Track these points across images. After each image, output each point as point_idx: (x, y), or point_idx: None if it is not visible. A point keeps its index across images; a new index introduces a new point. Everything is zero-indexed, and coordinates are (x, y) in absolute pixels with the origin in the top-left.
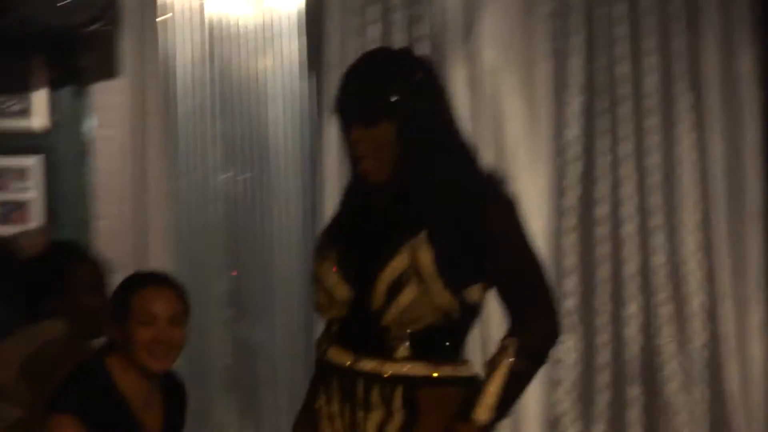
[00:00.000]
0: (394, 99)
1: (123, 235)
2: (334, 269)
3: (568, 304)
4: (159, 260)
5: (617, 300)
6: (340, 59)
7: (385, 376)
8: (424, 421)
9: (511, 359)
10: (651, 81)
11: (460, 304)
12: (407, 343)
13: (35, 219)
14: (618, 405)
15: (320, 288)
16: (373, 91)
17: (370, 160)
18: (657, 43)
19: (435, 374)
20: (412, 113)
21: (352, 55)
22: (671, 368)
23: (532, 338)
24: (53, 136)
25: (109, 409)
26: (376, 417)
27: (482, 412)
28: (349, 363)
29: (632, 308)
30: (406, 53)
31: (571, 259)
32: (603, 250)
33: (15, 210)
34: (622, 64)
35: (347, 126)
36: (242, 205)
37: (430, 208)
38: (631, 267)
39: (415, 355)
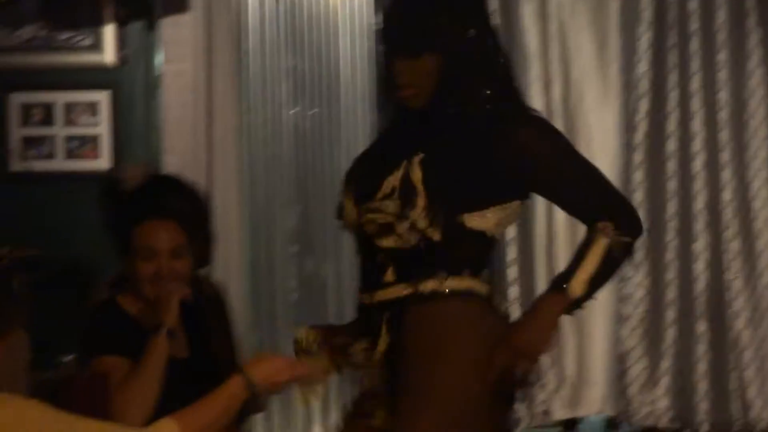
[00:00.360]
0: (437, 30)
1: (192, 170)
2: (350, 193)
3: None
4: (227, 195)
5: (685, 236)
6: None
7: (370, 303)
8: (408, 340)
9: (607, 239)
10: (720, 16)
11: (454, 228)
12: (391, 268)
13: (105, 154)
14: (685, 341)
15: (339, 211)
16: (416, 22)
17: (411, 88)
18: None
19: (409, 291)
20: (455, 45)
21: None
22: (739, 304)
23: (626, 225)
24: (122, 71)
25: (134, 343)
26: (363, 345)
27: (577, 285)
28: (360, 301)
29: (700, 244)
30: None
31: (639, 195)
32: (671, 185)
33: (85, 144)
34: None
35: (390, 57)
36: (311, 140)
37: (438, 130)
38: (699, 203)
39: (399, 279)
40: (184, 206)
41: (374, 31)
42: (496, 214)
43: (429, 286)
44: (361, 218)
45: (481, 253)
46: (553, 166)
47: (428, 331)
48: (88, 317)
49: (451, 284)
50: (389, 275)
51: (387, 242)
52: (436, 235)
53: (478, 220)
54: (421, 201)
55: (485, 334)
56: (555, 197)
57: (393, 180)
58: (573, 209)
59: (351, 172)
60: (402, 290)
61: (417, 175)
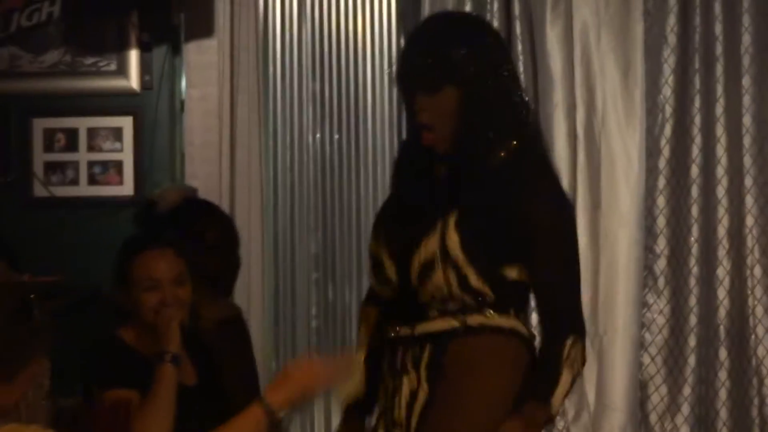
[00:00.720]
0: (455, 63)
1: (214, 195)
2: (385, 248)
3: (660, 265)
4: (249, 220)
5: (707, 261)
6: None
7: (410, 335)
8: (450, 374)
9: (579, 364)
10: (745, 40)
11: (498, 282)
12: (437, 307)
13: (128, 179)
14: (706, 368)
15: (375, 265)
16: (434, 54)
17: (432, 132)
18: (751, 3)
19: (457, 324)
20: (475, 77)
21: None
22: (761, 331)
23: (580, 325)
24: (146, 96)
25: (141, 375)
26: (408, 381)
27: (557, 403)
28: (392, 335)
29: (722, 270)
30: (467, 17)
31: (661, 220)
32: (694, 211)
33: (108, 170)
34: (716, 24)
35: (410, 94)
36: (334, 166)
37: (468, 187)
38: (722, 228)
39: (445, 314)
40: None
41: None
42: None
43: (477, 320)
44: (410, 279)
45: (523, 299)
46: (548, 235)
47: (471, 362)
48: (88, 353)
49: (497, 321)
50: (434, 312)
51: (436, 297)
52: (487, 291)
53: (517, 272)
54: (468, 266)
55: (526, 372)
56: (533, 267)
57: (431, 245)
58: (545, 303)
59: (381, 222)
60: (449, 323)
61: (454, 240)
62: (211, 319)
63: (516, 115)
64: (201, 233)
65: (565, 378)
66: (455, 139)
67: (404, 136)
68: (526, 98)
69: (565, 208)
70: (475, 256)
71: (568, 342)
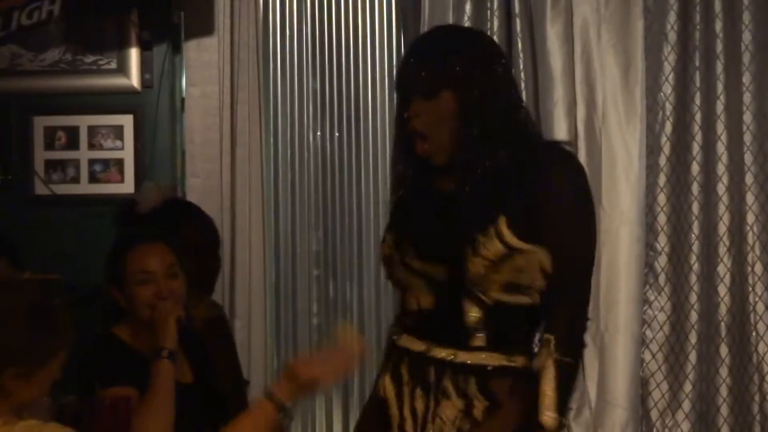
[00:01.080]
0: (452, 68)
1: (215, 193)
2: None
3: (661, 262)
4: (250, 218)
5: (708, 259)
6: (435, 18)
7: (457, 361)
8: (505, 409)
9: (554, 356)
10: (746, 38)
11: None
12: (482, 334)
13: (128, 177)
14: (707, 365)
15: (400, 268)
16: (433, 60)
17: (427, 142)
18: (751, 0)
19: (508, 364)
20: (472, 82)
21: (447, 13)
22: (762, 328)
23: (567, 329)
24: (147, 94)
25: (138, 372)
26: (453, 405)
27: (548, 416)
28: (423, 349)
29: (723, 267)
30: (466, 28)
31: (662, 217)
32: (695, 208)
33: (108, 168)
34: (717, 22)
35: (406, 100)
36: (334, 163)
37: (503, 189)
38: (722, 225)
39: (490, 346)
40: (199, 234)
41: (399, 55)
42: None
43: (520, 361)
44: (470, 275)
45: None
46: (561, 214)
47: (519, 404)
48: (87, 351)
49: (536, 363)
50: (478, 340)
51: (510, 299)
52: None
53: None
54: (533, 248)
55: None
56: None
57: (491, 245)
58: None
59: (402, 228)
60: (495, 359)
61: (512, 238)
62: (196, 319)
63: (512, 114)
64: (181, 233)
65: (548, 386)
66: (454, 147)
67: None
68: (522, 99)
69: (583, 193)
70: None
71: (543, 341)
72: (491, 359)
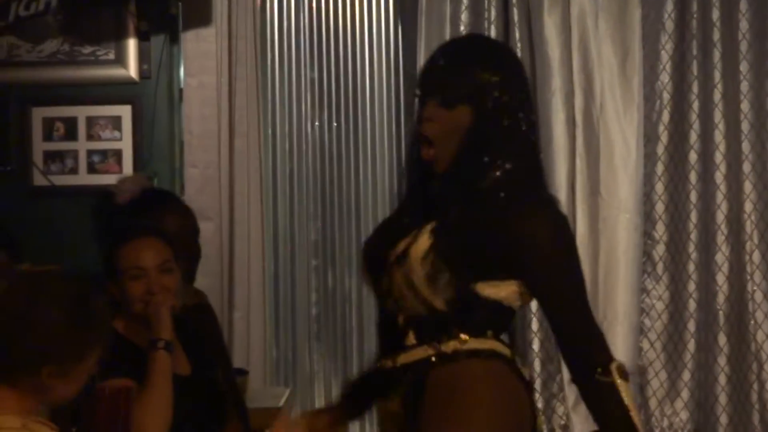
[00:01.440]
0: (478, 86)
1: (213, 183)
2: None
3: (659, 251)
4: (248, 208)
5: (706, 247)
6: (432, 7)
7: (393, 366)
8: (429, 401)
9: (619, 380)
10: (743, 26)
11: (468, 298)
12: (413, 331)
13: (127, 168)
14: (706, 353)
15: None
16: (461, 74)
17: (433, 148)
18: None
19: (432, 352)
20: (493, 103)
21: (444, 2)
22: (760, 316)
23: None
24: (145, 85)
25: (136, 364)
26: (390, 407)
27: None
28: (379, 365)
29: (721, 256)
30: (503, 47)
31: (660, 206)
32: (693, 196)
33: (107, 158)
34: (714, 10)
35: (424, 102)
36: (333, 153)
37: (453, 200)
38: (720, 214)
39: (421, 341)
40: (179, 224)
41: (397, 44)
42: (508, 287)
43: (450, 346)
44: (379, 286)
45: (501, 320)
46: (545, 269)
47: (450, 390)
48: None
49: (472, 345)
50: (411, 338)
51: (405, 308)
52: (438, 303)
53: (491, 290)
54: (419, 271)
55: (509, 392)
56: (541, 301)
57: (400, 248)
58: (559, 332)
59: (369, 240)
60: (424, 352)
61: (424, 244)
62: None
63: (519, 140)
64: (161, 223)
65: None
66: (454, 162)
67: (402, 124)
68: (534, 119)
69: (562, 233)
70: (441, 262)
71: (609, 369)
72: (418, 354)
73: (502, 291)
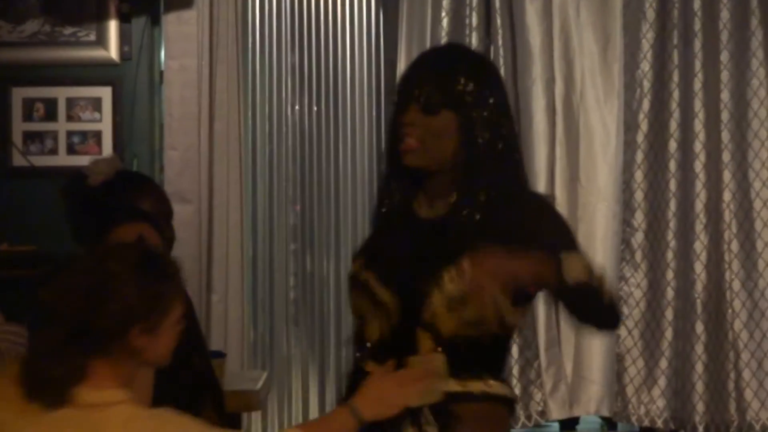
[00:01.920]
0: (462, 93)
1: (193, 166)
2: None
3: (637, 239)
4: (228, 191)
5: (685, 236)
6: None
7: None
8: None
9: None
10: (724, 16)
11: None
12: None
13: (107, 149)
14: (683, 341)
15: (360, 291)
16: (445, 79)
17: (413, 142)
18: None
19: (462, 390)
20: (476, 114)
21: None
22: (737, 305)
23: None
24: (125, 67)
25: None
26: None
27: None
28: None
29: (700, 245)
30: (486, 59)
31: (639, 194)
32: (672, 185)
33: (87, 140)
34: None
35: (404, 106)
36: (313, 137)
37: (484, 228)
38: (699, 203)
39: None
40: (154, 207)
41: (378, 28)
42: (526, 310)
43: (478, 387)
44: (428, 313)
45: (505, 353)
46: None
47: (475, 429)
48: None
49: (497, 389)
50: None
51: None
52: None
53: (515, 316)
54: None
55: None
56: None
57: (458, 281)
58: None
59: (372, 252)
60: (452, 386)
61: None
62: None
63: (505, 157)
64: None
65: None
66: (452, 166)
67: (383, 109)
68: (516, 131)
69: (560, 222)
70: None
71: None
72: (448, 385)
73: (519, 316)
